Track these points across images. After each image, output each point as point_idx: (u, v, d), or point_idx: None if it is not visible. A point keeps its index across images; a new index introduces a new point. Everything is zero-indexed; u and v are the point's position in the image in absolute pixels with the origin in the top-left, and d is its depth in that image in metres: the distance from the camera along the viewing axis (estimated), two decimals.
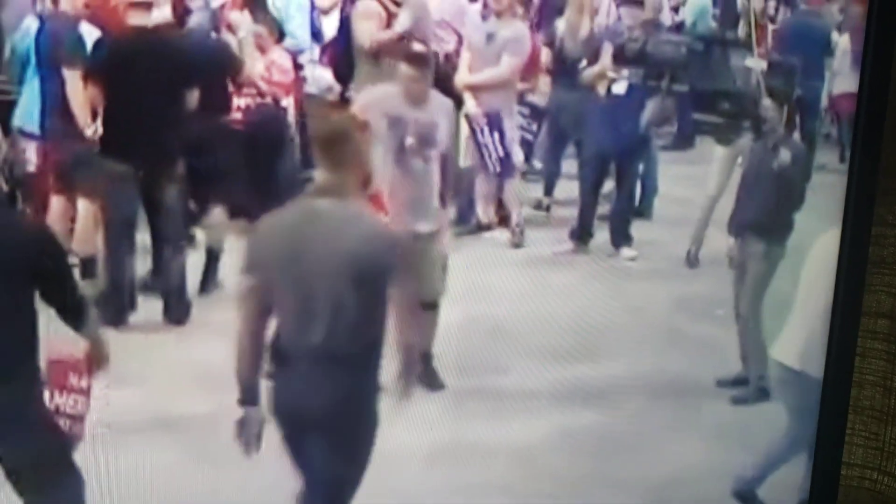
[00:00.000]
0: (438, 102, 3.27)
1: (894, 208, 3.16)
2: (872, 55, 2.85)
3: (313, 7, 3.41)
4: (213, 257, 3.31)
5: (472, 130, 3.45)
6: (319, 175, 2.65)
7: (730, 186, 3.38)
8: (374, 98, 3.23)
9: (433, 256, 3.26)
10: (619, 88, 3.39)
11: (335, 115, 3.06)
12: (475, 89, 3.46)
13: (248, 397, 2.69)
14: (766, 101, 3.31)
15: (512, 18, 3.48)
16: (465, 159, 3.48)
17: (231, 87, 3.27)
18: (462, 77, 3.45)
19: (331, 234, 2.60)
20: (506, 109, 3.50)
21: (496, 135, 3.46)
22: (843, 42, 3.34)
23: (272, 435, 2.85)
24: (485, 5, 3.47)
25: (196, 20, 3.18)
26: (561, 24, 3.51)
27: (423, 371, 3.26)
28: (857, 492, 3.34)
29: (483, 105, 3.46)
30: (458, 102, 3.40)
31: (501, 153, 3.47)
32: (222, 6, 3.20)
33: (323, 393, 2.62)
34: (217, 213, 3.28)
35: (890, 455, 3.31)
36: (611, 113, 3.45)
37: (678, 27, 3.53)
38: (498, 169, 3.47)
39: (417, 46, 3.33)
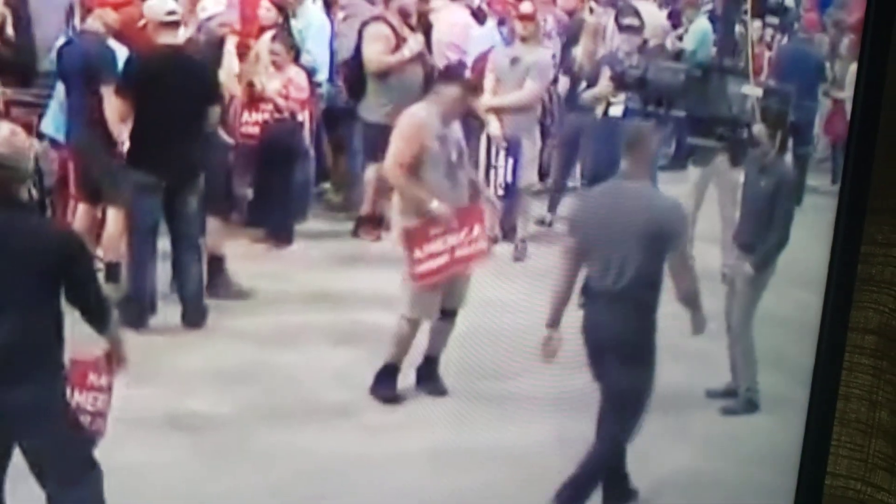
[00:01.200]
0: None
1: (883, 227, 3.12)
2: (865, 81, 2.84)
3: (333, 29, 3.43)
4: (215, 262, 3.31)
5: (488, 151, 3.42)
6: (625, 164, 3.15)
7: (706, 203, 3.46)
8: (418, 119, 3.21)
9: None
10: (616, 111, 3.39)
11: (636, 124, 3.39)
12: (498, 111, 3.44)
13: (553, 322, 3.18)
14: (760, 127, 3.30)
15: (536, 45, 3.46)
16: None
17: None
18: (486, 99, 3.43)
19: (632, 207, 3.14)
20: (526, 132, 3.49)
21: (510, 161, 3.44)
22: (854, 69, 3.32)
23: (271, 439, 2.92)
24: (511, 31, 3.47)
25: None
26: (578, 52, 3.51)
27: (428, 376, 3.29)
28: (841, 501, 3.29)
29: (506, 128, 3.45)
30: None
31: (509, 180, 3.45)
32: (209, 18, 3.20)
33: (617, 322, 3.14)
34: (212, 223, 3.32)
35: (873, 466, 3.26)
36: (607, 134, 3.39)
37: (677, 55, 3.52)
38: (500, 193, 3.45)
39: (468, 74, 3.35)
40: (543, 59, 3.48)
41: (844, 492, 3.27)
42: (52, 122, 3.12)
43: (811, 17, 3.45)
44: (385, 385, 3.22)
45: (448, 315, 3.31)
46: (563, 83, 3.49)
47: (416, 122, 3.21)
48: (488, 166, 3.43)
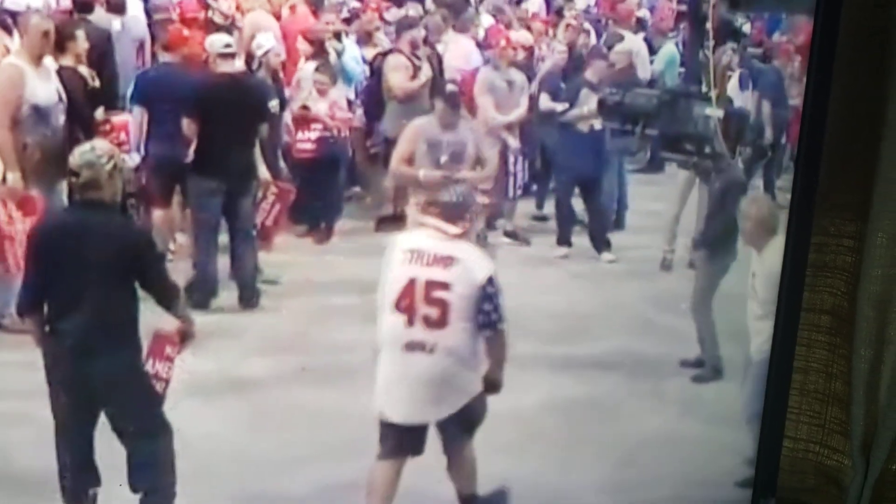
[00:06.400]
0: (466, 125, 2.96)
1: (835, 220, 2.78)
2: (813, 93, 2.48)
3: (364, 60, 3.15)
4: None
5: (505, 160, 3.12)
6: None
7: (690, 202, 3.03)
8: (417, 126, 2.93)
9: None
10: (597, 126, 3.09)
11: None
12: (510, 127, 3.13)
13: None
14: (721, 141, 2.88)
15: (516, 68, 3.15)
16: None
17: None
18: (495, 116, 3.11)
19: None
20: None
21: (526, 164, 3.16)
22: None
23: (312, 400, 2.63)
24: (500, 57, 3.14)
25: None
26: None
27: None
28: (802, 462, 2.94)
29: (519, 139, 3.15)
30: None
31: (526, 180, 3.19)
32: (266, 53, 2.91)
33: None
34: None
35: (830, 431, 2.90)
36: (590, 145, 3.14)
37: (650, 82, 3.17)
38: (520, 193, 3.16)
39: (450, 87, 3.04)
40: (525, 79, 3.17)
41: (805, 454, 2.92)
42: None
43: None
44: None
45: None
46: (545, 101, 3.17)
47: (413, 127, 2.93)
48: (507, 174, 3.12)
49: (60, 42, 2.64)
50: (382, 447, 2.44)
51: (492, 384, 2.48)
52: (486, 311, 2.37)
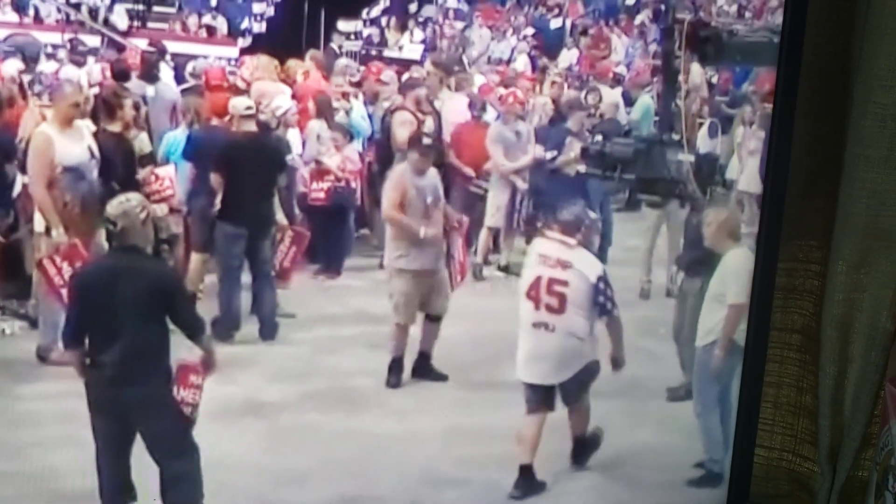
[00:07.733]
0: (432, 172, 3.06)
1: (804, 247, 2.91)
2: (777, 135, 2.63)
3: (371, 116, 3.24)
4: None
5: (513, 200, 3.23)
6: None
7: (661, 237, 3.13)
8: (401, 173, 3.05)
9: (442, 284, 3.07)
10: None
11: None
12: (518, 172, 3.22)
13: None
14: (693, 182, 2.97)
15: (520, 119, 3.23)
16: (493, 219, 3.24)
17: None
18: (505, 163, 3.20)
19: None
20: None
21: (529, 203, 3.26)
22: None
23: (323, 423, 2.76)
24: (507, 111, 3.24)
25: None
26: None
27: (422, 367, 3.04)
28: (776, 470, 3.01)
29: (526, 182, 3.22)
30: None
31: (529, 216, 3.26)
32: (284, 113, 3.02)
33: None
34: None
35: (801, 441, 2.98)
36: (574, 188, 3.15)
37: (627, 132, 3.24)
38: (523, 228, 3.23)
39: (426, 140, 3.12)
40: (530, 130, 3.25)
41: (779, 462, 3.00)
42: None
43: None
44: (394, 374, 2.97)
45: (433, 319, 3.08)
46: (538, 150, 3.21)
47: (397, 175, 3.06)
48: (512, 211, 3.25)
49: (112, 110, 2.77)
50: (527, 405, 2.83)
51: (615, 361, 2.83)
52: (601, 302, 2.80)
